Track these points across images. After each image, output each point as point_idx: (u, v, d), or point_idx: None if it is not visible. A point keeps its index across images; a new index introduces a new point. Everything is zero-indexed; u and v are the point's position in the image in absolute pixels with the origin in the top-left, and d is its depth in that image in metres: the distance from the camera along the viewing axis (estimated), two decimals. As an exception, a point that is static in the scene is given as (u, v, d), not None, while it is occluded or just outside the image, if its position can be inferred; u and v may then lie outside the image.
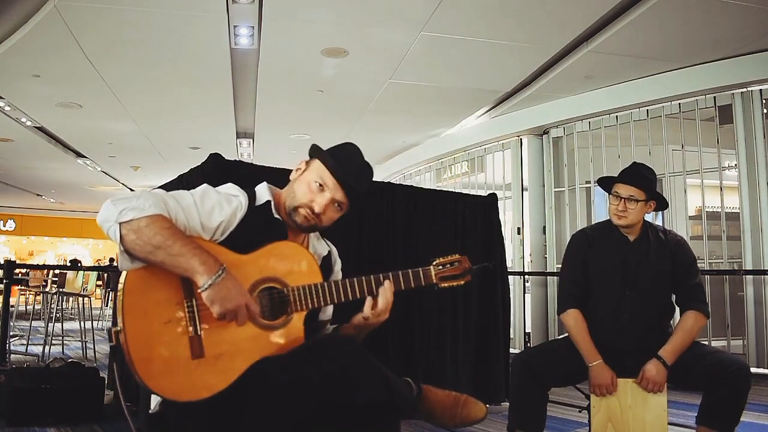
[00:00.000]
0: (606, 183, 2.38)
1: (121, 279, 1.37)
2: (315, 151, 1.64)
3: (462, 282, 1.61)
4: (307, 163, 1.64)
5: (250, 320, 1.40)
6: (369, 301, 1.53)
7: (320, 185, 1.58)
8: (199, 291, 1.33)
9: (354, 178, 1.61)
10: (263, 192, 1.61)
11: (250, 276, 1.44)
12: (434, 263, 1.59)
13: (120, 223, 1.33)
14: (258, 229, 1.52)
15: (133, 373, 1.31)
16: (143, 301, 1.35)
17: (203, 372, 1.34)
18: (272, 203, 1.59)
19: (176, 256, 1.32)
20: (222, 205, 1.49)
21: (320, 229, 1.65)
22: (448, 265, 1.60)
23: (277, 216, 1.59)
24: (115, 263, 1.81)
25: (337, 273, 1.77)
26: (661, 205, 2.34)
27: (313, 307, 1.49)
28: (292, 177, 1.66)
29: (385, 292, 1.53)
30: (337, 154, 1.61)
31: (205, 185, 1.54)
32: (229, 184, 1.59)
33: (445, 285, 1.59)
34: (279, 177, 1.83)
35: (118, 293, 1.38)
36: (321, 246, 1.73)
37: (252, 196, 1.57)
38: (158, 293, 1.36)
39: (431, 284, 1.58)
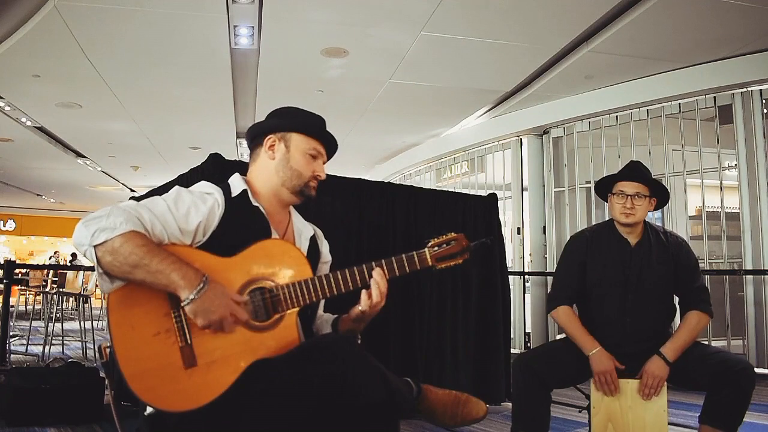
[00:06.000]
0: (604, 186, 2.37)
1: (106, 297, 1.36)
2: (285, 125, 1.63)
3: (460, 261, 1.56)
4: (281, 138, 1.62)
5: (241, 324, 1.38)
6: (364, 294, 1.52)
7: (314, 154, 1.63)
8: (182, 305, 1.32)
9: (330, 134, 1.68)
10: (237, 182, 1.61)
11: (237, 279, 1.42)
12: (429, 245, 1.55)
13: (94, 246, 1.31)
14: (239, 221, 1.51)
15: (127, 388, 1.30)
16: (130, 316, 1.34)
17: (197, 381, 1.33)
18: (248, 191, 1.59)
19: (155, 273, 1.30)
20: (197, 205, 1.46)
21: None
22: (444, 245, 1.55)
23: (255, 204, 1.58)
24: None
25: (326, 255, 1.77)
26: (661, 202, 2.34)
27: (306, 304, 1.47)
28: (269, 157, 1.62)
29: (377, 283, 1.50)
30: (305, 117, 1.66)
31: (176, 187, 1.51)
32: (202, 182, 1.58)
33: (443, 266, 1.54)
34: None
35: (105, 311, 1.37)
36: (305, 227, 1.72)
37: (227, 189, 1.56)
38: (144, 306, 1.35)
39: (428, 267, 1.54)
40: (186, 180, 2.83)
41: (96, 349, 5.41)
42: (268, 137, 1.63)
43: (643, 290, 2.24)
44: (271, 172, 1.62)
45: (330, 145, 1.68)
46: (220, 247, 1.45)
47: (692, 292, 2.26)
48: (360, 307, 1.53)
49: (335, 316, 1.68)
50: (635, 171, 2.30)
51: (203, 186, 1.56)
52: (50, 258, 14.40)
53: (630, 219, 2.26)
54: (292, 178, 1.60)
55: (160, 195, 1.49)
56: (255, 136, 1.67)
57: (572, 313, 2.29)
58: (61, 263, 13.60)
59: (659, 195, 2.32)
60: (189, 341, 1.35)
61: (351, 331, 1.62)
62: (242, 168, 2.57)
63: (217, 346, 1.37)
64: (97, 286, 6.05)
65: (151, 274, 1.30)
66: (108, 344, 1.33)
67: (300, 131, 1.62)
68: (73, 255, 13.47)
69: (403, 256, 1.53)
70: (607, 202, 2.36)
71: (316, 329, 1.69)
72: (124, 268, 1.30)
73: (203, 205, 1.47)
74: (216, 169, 2.49)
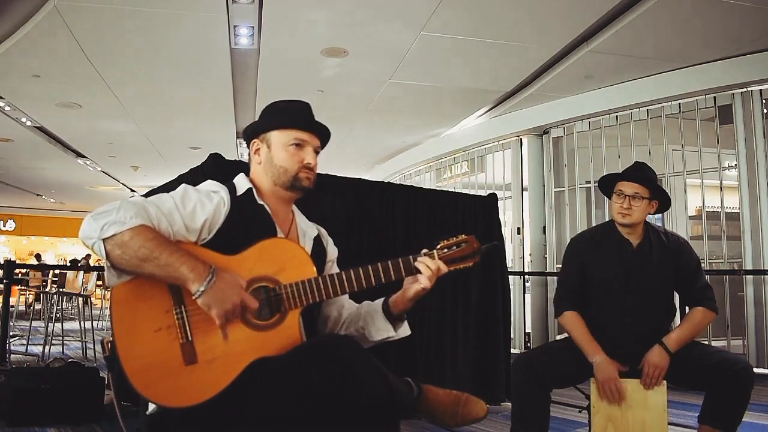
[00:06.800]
0: (607, 183, 2.37)
1: (110, 292, 1.37)
2: (262, 126, 1.64)
3: (470, 264, 1.53)
4: (262, 140, 1.63)
5: (243, 321, 1.39)
6: (415, 278, 1.51)
7: (297, 144, 1.59)
8: (193, 298, 1.33)
9: (313, 117, 1.65)
10: (242, 181, 1.62)
11: (241, 277, 1.42)
12: (438, 246, 1.53)
13: (103, 240, 1.31)
14: (245, 219, 1.52)
15: (127, 381, 1.31)
16: (132, 312, 1.34)
17: (198, 377, 1.34)
18: (254, 190, 1.60)
19: (164, 266, 1.31)
20: (203, 203, 1.47)
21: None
22: (454, 247, 1.52)
23: (261, 202, 1.59)
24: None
25: (331, 253, 1.77)
26: (664, 205, 2.34)
27: (309, 304, 1.47)
28: (257, 161, 1.64)
29: (427, 267, 1.49)
30: (284, 111, 1.64)
31: (183, 185, 1.52)
32: (209, 181, 1.59)
33: (452, 268, 1.51)
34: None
35: (108, 306, 1.37)
36: (309, 227, 1.72)
37: (232, 188, 1.57)
38: (147, 302, 1.35)
39: None
40: (186, 180, 2.82)
41: (96, 346, 5.41)
42: (252, 142, 1.65)
43: (643, 291, 2.24)
44: (262, 174, 1.63)
45: (316, 129, 1.63)
46: (226, 245, 1.45)
47: (696, 291, 2.26)
48: (421, 284, 1.51)
49: (381, 300, 1.64)
50: (637, 172, 2.30)
51: (209, 185, 1.56)
52: (81, 260, 14.19)
53: (626, 219, 2.26)
54: (280, 174, 1.59)
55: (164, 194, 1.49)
56: (246, 143, 1.70)
57: (578, 319, 2.27)
58: (93, 265, 13.56)
59: (661, 198, 2.31)
60: (190, 338, 1.36)
61: (403, 312, 1.60)
62: (242, 168, 2.57)
63: (218, 343, 1.37)
64: (97, 286, 6.07)
65: (161, 267, 1.31)
66: (110, 339, 1.33)
67: (277, 127, 1.61)
68: (38, 256, 13.44)
69: (410, 257, 1.52)
70: (611, 199, 2.37)
71: (349, 324, 1.67)
72: (133, 261, 1.31)
73: (209, 203, 1.48)
74: (216, 169, 2.50)
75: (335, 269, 1.76)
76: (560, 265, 2.51)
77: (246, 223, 1.52)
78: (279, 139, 1.60)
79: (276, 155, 1.60)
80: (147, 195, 2.08)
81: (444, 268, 1.51)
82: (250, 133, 1.66)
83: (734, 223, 5.20)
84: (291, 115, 1.63)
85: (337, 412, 1.27)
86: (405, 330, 1.64)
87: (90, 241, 1.33)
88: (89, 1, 4.14)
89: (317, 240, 1.71)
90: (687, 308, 2.29)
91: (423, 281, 1.50)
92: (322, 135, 1.66)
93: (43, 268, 10.06)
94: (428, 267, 1.50)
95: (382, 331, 1.60)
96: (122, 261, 1.32)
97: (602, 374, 2.13)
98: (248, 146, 1.69)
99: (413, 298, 1.56)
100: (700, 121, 5.37)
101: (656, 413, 2.10)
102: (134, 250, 1.31)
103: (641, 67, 5.36)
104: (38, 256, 13.35)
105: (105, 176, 11.39)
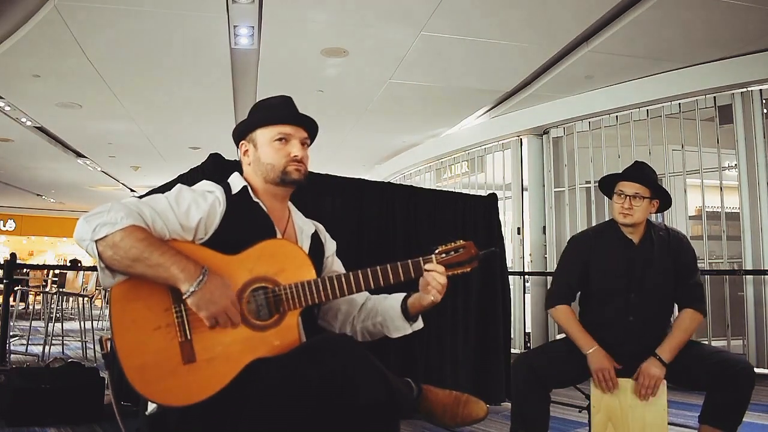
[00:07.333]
0: (607, 183, 2.37)
1: (110, 290, 1.37)
2: (247, 127, 1.65)
3: (468, 269, 1.55)
4: (249, 140, 1.64)
5: (242, 321, 1.39)
6: (433, 289, 1.52)
7: (282, 139, 1.60)
8: (184, 298, 1.33)
9: (296, 110, 1.65)
10: (237, 180, 1.63)
11: (240, 277, 1.43)
12: (436, 251, 1.54)
13: (96, 241, 1.32)
14: (241, 218, 1.53)
15: (127, 381, 1.31)
16: (131, 310, 1.35)
17: (196, 377, 1.34)
18: (249, 188, 1.60)
19: (155, 266, 1.31)
20: (198, 202, 1.48)
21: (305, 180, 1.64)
22: (452, 252, 1.54)
23: (256, 200, 1.59)
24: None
25: (330, 248, 1.77)
26: (665, 204, 2.34)
27: (307, 305, 1.47)
28: (246, 162, 1.65)
29: (435, 278, 1.51)
30: (265, 108, 1.65)
31: (179, 185, 1.53)
32: (204, 181, 1.60)
33: (450, 273, 1.53)
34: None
35: (108, 304, 1.38)
36: (306, 224, 1.72)
37: (227, 188, 1.58)
38: (146, 300, 1.35)
39: None
40: (186, 180, 2.82)
41: (96, 341, 5.41)
42: (241, 144, 1.67)
43: (645, 288, 2.24)
44: (253, 174, 1.64)
45: (300, 122, 1.63)
46: (224, 244, 1.45)
47: (688, 288, 2.26)
48: (431, 298, 1.53)
49: (400, 298, 1.63)
50: (637, 171, 2.30)
51: (204, 185, 1.57)
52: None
53: (627, 219, 2.26)
54: (268, 171, 1.60)
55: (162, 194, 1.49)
56: (236, 145, 1.71)
57: (571, 312, 2.30)
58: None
59: (661, 197, 2.32)
60: (189, 337, 1.36)
61: (419, 313, 1.62)
62: (242, 168, 2.57)
63: (217, 343, 1.37)
64: (97, 286, 6.06)
65: (151, 267, 1.31)
66: (109, 336, 1.34)
67: (261, 125, 1.62)
68: (73, 261, 13.28)
69: (409, 261, 1.52)
70: (611, 199, 2.37)
71: (366, 317, 1.66)
72: (124, 262, 1.31)
73: (204, 203, 1.48)
74: (216, 169, 2.50)
75: (337, 262, 1.77)
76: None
77: (243, 222, 1.52)
78: (264, 136, 1.61)
79: (263, 153, 1.61)
80: (147, 195, 2.09)
81: (444, 279, 1.52)
82: (237, 136, 1.67)
83: (734, 223, 5.20)
84: (272, 110, 1.64)
85: (336, 412, 1.27)
86: (419, 324, 1.66)
87: (83, 243, 1.34)
88: (89, 1, 4.14)
89: (315, 236, 1.71)
90: (676, 307, 2.29)
91: (434, 295, 1.52)
92: (308, 126, 1.66)
93: (16, 266, 10.02)
94: (439, 283, 1.51)
95: (400, 329, 1.63)
96: (114, 262, 1.32)
97: (595, 363, 2.14)
98: (238, 148, 1.70)
99: (426, 308, 1.59)
100: (700, 121, 5.37)
101: (656, 413, 2.10)
102: (125, 251, 1.31)
103: (641, 67, 5.36)
104: (13, 255, 13.17)
105: (105, 176, 11.38)
